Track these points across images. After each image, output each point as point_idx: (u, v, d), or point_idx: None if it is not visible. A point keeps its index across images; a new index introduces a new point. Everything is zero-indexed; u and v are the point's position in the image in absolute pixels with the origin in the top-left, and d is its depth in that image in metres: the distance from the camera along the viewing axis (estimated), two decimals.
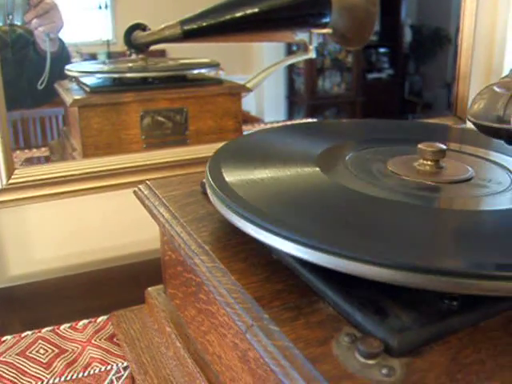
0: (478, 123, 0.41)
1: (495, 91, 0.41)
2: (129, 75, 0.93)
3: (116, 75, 0.92)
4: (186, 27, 0.98)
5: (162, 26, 0.99)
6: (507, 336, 0.33)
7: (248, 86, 1.05)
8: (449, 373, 0.30)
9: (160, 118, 0.92)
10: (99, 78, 0.94)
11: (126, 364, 0.58)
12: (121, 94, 0.90)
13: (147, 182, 0.55)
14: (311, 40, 1.09)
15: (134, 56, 1.03)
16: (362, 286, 0.35)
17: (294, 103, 1.28)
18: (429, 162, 0.45)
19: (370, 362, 0.30)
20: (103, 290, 0.74)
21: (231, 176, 0.44)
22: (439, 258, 0.33)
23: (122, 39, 0.98)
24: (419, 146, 0.46)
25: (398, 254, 0.32)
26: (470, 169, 0.47)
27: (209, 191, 0.43)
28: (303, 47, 1.12)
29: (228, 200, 0.40)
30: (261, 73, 1.10)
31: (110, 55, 0.99)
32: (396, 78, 1.44)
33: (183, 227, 0.45)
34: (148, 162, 0.84)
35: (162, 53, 1.03)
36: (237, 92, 0.95)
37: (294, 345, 0.31)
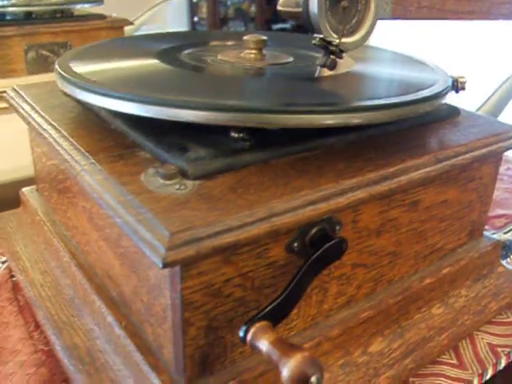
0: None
1: None
2: (10, 9, 0.96)
3: None
4: None
5: None
6: (290, 169, 0.41)
7: (135, 22, 1.09)
8: (232, 188, 0.37)
9: (44, 52, 0.96)
10: None
11: (4, 259, 0.63)
12: (2, 28, 0.92)
13: (14, 86, 0.60)
14: None
15: None
16: (174, 136, 0.42)
17: None
18: (253, 51, 0.53)
19: (168, 182, 0.37)
20: None
21: (77, 66, 0.49)
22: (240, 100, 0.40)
23: None
24: (244, 37, 0.53)
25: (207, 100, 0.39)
26: (290, 56, 0.54)
27: (56, 76, 0.49)
28: None
29: (68, 76, 0.46)
30: (146, 11, 1.15)
31: None
32: (302, 28, 1.52)
33: (37, 112, 0.51)
34: None
35: None
36: (119, 26, 1.00)
37: (110, 176, 0.38)
